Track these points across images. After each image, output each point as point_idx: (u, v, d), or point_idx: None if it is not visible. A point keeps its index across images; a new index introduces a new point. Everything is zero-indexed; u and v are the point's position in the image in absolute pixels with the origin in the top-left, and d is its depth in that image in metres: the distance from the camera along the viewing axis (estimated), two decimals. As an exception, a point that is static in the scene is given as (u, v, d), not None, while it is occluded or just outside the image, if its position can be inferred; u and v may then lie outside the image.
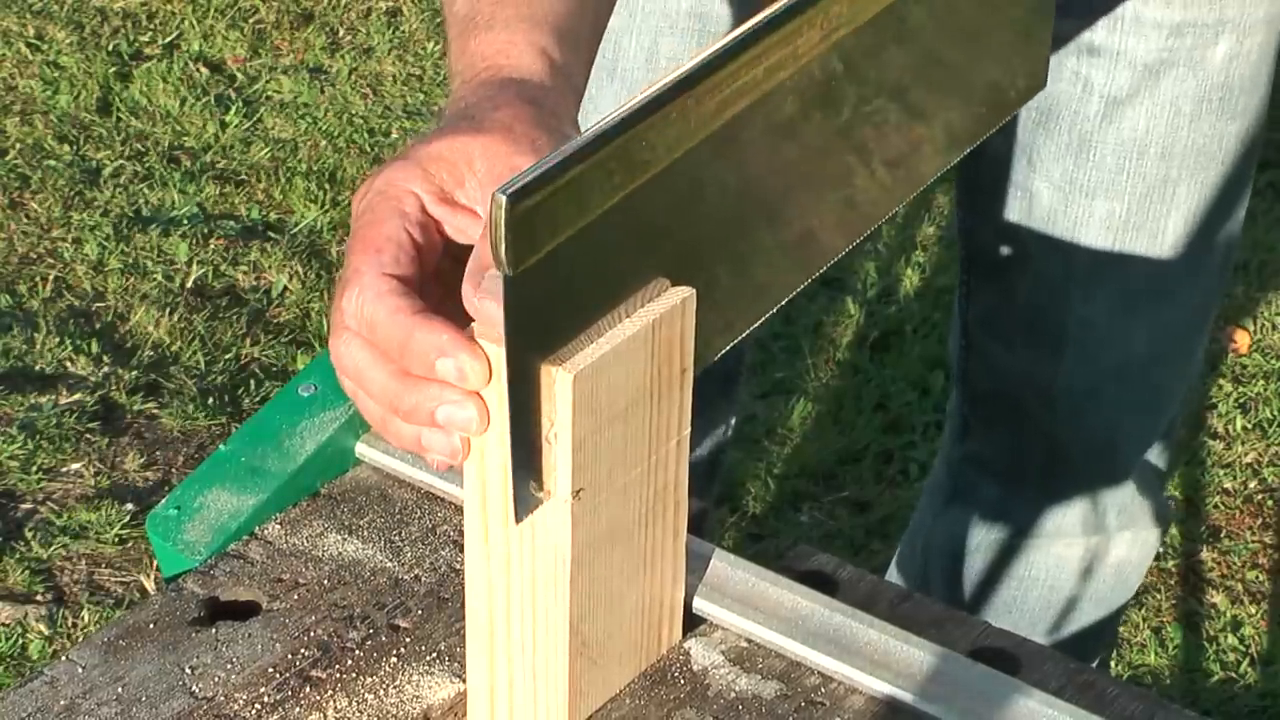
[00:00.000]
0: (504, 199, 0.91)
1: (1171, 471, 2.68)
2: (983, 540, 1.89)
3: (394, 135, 3.45)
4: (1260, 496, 2.73)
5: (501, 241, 0.91)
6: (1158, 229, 1.62)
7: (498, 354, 0.96)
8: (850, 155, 1.15)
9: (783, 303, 1.16)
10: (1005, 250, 1.69)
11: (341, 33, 3.75)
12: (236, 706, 1.08)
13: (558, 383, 0.96)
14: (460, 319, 0.97)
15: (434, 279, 1.02)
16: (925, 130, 1.21)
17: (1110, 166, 1.60)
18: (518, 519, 0.99)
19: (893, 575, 2.05)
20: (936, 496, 1.96)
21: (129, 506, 2.61)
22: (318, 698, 1.09)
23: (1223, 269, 1.71)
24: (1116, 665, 2.46)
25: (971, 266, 1.76)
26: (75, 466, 2.68)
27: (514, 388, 0.96)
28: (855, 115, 1.14)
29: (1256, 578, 2.60)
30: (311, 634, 1.13)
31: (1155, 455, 1.84)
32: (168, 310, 2.96)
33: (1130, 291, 1.67)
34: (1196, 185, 1.61)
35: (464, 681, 1.09)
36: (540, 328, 0.96)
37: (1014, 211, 1.65)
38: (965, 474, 1.90)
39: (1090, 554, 1.86)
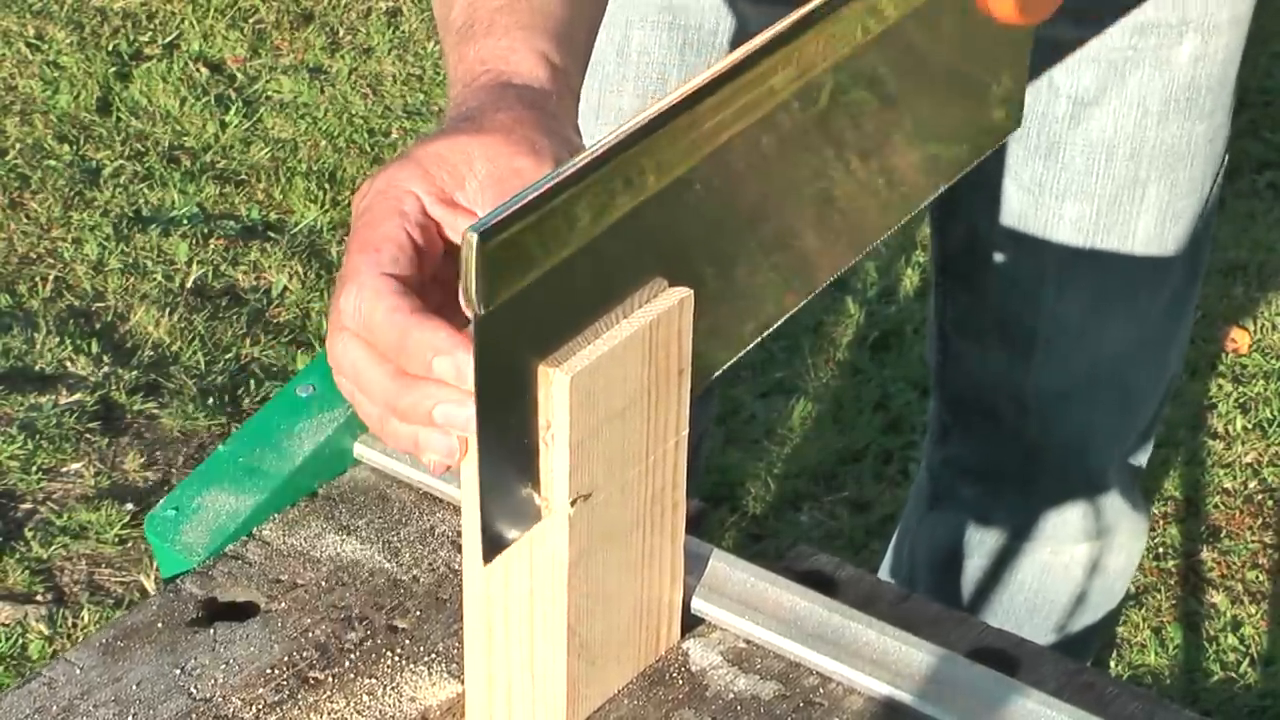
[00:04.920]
0: (474, 237, 0.90)
1: (1149, 475, 2.68)
2: (966, 544, 1.89)
3: (394, 135, 3.45)
4: (1260, 496, 2.73)
5: (472, 281, 0.90)
6: (1128, 230, 1.62)
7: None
8: (833, 183, 1.15)
9: (783, 319, 1.16)
10: (977, 253, 1.69)
11: (341, 33, 3.75)
12: (234, 707, 1.08)
13: (555, 383, 0.96)
14: (459, 322, 0.97)
15: (433, 282, 1.02)
16: (894, 174, 1.20)
17: (1079, 168, 1.60)
18: (486, 558, 0.98)
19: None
20: (920, 501, 1.97)
21: (129, 506, 2.61)
22: (316, 699, 1.09)
23: (1194, 269, 1.71)
24: (1116, 665, 2.46)
25: (945, 270, 1.77)
26: (75, 466, 2.68)
27: (511, 392, 0.96)
28: (835, 149, 1.13)
29: (1256, 578, 2.60)
30: (309, 635, 1.13)
31: (1135, 461, 1.84)
32: (168, 310, 2.96)
33: (1101, 293, 1.67)
34: (1166, 186, 1.61)
35: (462, 682, 1.09)
36: (511, 363, 0.95)
37: (985, 214, 1.65)
38: (945, 477, 1.90)
39: (1074, 559, 1.86)
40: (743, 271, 1.10)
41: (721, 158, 1.04)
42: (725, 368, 1.12)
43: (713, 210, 1.05)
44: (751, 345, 1.13)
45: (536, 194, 0.92)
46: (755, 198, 1.09)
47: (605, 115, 1.60)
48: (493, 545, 0.98)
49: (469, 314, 0.92)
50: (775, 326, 1.15)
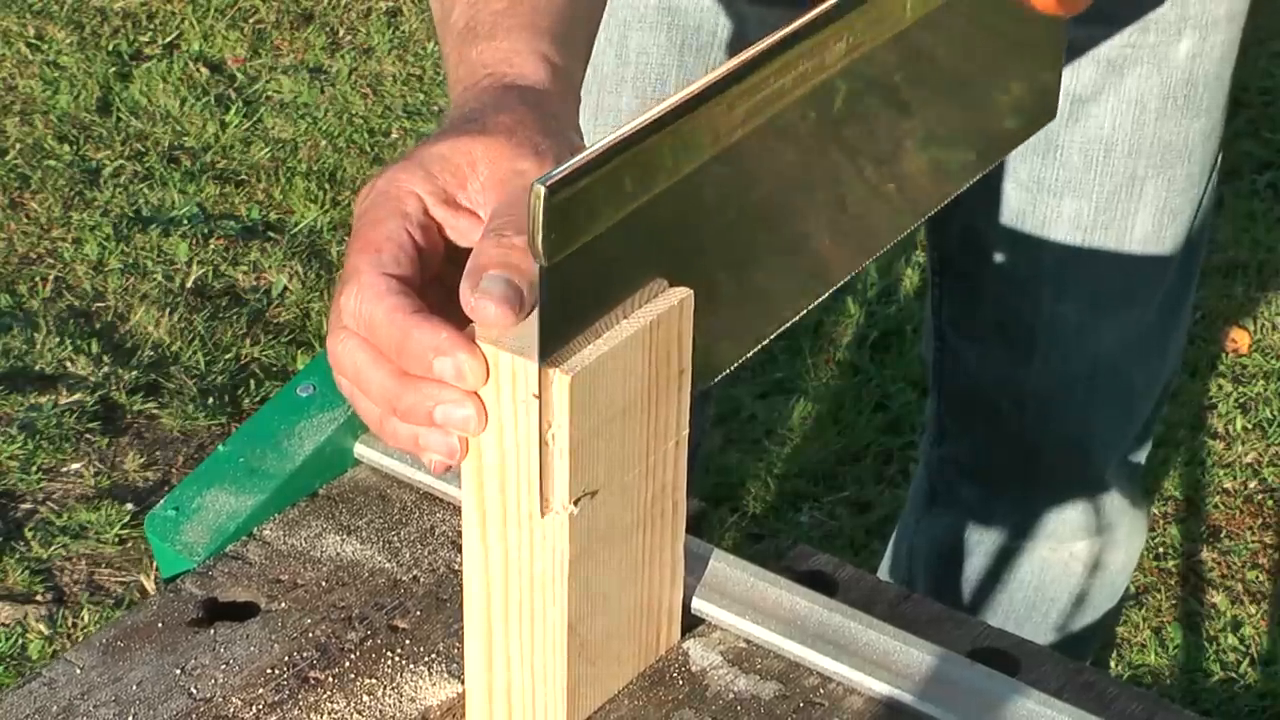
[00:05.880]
0: (542, 189, 0.91)
1: (1149, 475, 2.68)
2: (965, 543, 1.89)
3: (394, 135, 3.45)
4: (1260, 496, 2.73)
5: (538, 232, 0.92)
6: (1125, 227, 1.63)
7: (494, 355, 0.96)
8: (861, 174, 1.16)
9: (793, 320, 1.16)
10: (975, 252, 1.69)
11: (341, 33, 3.75)
12: (234, 707, 1.08)
13: (555, 384, 0.96)
14: (460, 323, 0.97)
15: (435, 283, 1.02)
16: (934, 157, 1.22)
17: (1077, 165, 1.60)
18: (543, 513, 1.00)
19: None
20: (918, 500, 1.97)
21: (129, 506, 2.61)
22: (316, 699, 1.09)
23: (1190, 267, 1.71)
24: (1116, 665, 2.46)
25: (942, 269, 1.76)
26: (75, 466, 2.68)
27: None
28: (867, 137, 1.15)
29: (1256, 578, 2.60)
30: (310, 635, 1.13)
31: (1134, 458, 1.84)
32: (168, 310, 2.96)
33: (1099, 291, 1.67)
34: (1164, 182, 1.61)
35: (462, 682, 1.09)
36: (570, 316, 0.97)
37: (982, 212, 1.65)
38: (944, 476, 1.90)
39: (1074, 556, 1.86)
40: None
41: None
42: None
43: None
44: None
45: (600, 151, 0.94)
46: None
47: (604, 116, 1.60)
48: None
49: (535, 266, 0.94)
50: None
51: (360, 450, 1.25)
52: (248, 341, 2.94)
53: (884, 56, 1.11)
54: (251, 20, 3.75)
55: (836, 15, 1.06)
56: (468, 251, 1.00)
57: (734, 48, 1.58)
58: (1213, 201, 1.70)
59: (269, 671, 1.10)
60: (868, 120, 1.14)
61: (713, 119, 1.01)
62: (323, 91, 3.56)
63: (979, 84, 1.23)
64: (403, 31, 3.75)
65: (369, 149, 3.41)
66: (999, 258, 1.67)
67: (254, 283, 3.07)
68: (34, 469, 2.66)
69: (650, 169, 0.98)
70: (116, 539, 2.56)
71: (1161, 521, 2.68)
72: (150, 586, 2.48)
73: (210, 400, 2.80)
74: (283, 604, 1.15)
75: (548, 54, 1.09)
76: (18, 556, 2.53)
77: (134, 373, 2.85)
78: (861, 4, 1.08)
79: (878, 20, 1.09)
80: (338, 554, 1.19)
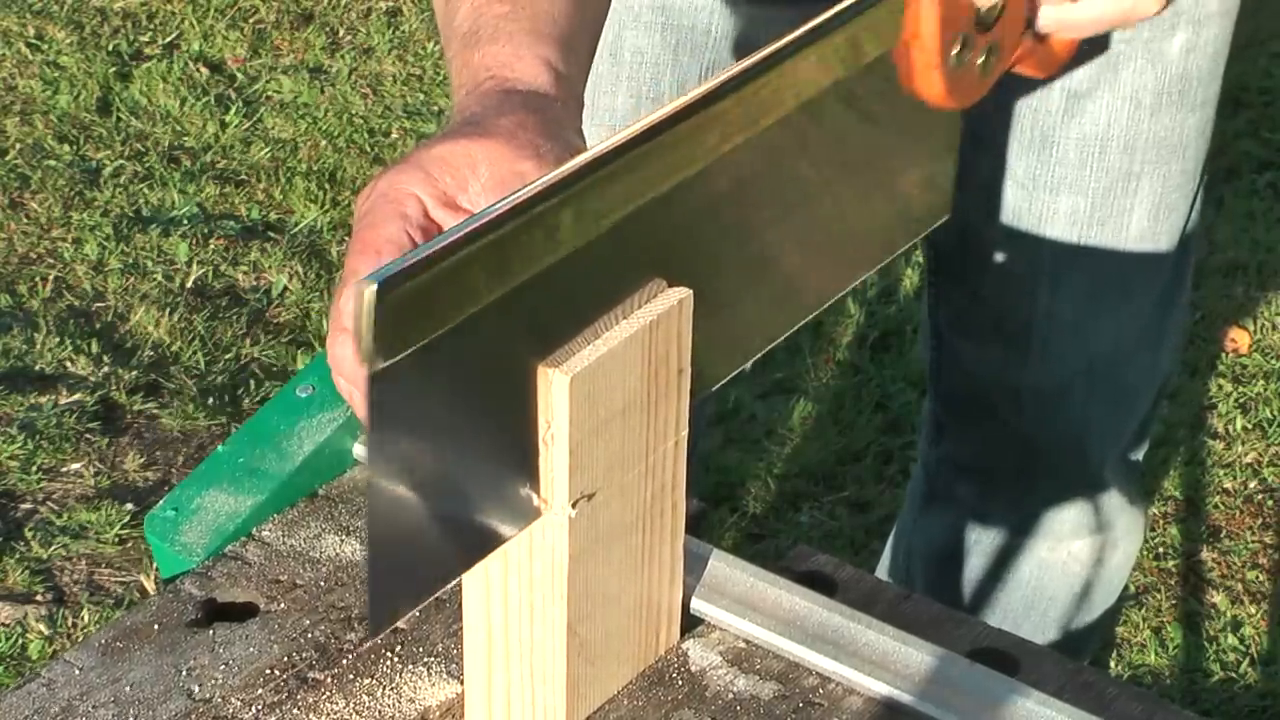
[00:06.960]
0: (374, 288, 0.86)
1: (1149, 475, 2.68)
2: (963, 543, 1.89)
3: (394, 135, 3.45)
4: (1260, 496, 2.73)
5: (368, 333, 0.87)
6: (1121, 223, 1.63)
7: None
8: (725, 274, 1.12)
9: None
10: (971, 250, 1.69)
11: (341, 33, 3.75)
12: (234, 708, 1.08)
13: (554, 384, 0.96)
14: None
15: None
16: (812, 257, 1.16)
17: (1073, 161, 1.60)
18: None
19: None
20: (915, 499, 1.97)
21: (129, 506, 2.61)
22: (315, 699, 1.09)
23: (1185, 261, 1.71)
24: (1116, 665, 2.46)
25: (938, 267, 1.77)
26: (75, 466, 2.68)
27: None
28: (742, 235, 1.09)
29: (1256, 578, 2.60)
30: (309, 635, 1.13)
31: (1132, 456, 1.84)
32: (168, 310, 2.96)
33: (1095, 287, 1.67)
34: (1159, 178, 1.61)
35: (462, 682, 1.09)
36: (417, 417, 0.92)
37: (978, 210, 1.65)
38: (942, 476, 1.90)
39: (1072, 555, 1.86)
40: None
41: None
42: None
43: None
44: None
45: (443, 246, 0.90)
46: (747, 210, 1.08)
47: (599, 116, 1.60)
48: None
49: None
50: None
51: (360, 451, 1.25)
52: (248, 341, 2.94)
53: (758, 149, 1.06)
54: (251, 20, 3.75)
55: (707, 104, 1.01)
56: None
57: (729, 47, 1.58)
58: (1205, 197, 1.70)
59: (268, 672, 1.10)
60: (744, 209, 1.08)
61: (595, 195, 0.96)
62: (323, 91, 3.56)
63: (864, 177, 1.18)
64: (403, 31, 3.75)
65: (369, 149, 3.41)
66: (996, 256, 1.68)
67: (254, 283, 3.07)
68: (34, 469, 2.66)
69: (506, 261, 0.93)
70: (116, 539, 2.56)
71: (1161, 521, 2.68)
72: (150, 587, 2.48)
73: (210, 400, 2.80)
74: (282, 604, 1.15)
75: (550, 59, 1.10)
76: (18, 556, 2.53)
77: (134, 373, 2.85)
78: (739, 90, 1.03)
79: (754, 109, 1.04)
80: (337, 554, 1.19)
